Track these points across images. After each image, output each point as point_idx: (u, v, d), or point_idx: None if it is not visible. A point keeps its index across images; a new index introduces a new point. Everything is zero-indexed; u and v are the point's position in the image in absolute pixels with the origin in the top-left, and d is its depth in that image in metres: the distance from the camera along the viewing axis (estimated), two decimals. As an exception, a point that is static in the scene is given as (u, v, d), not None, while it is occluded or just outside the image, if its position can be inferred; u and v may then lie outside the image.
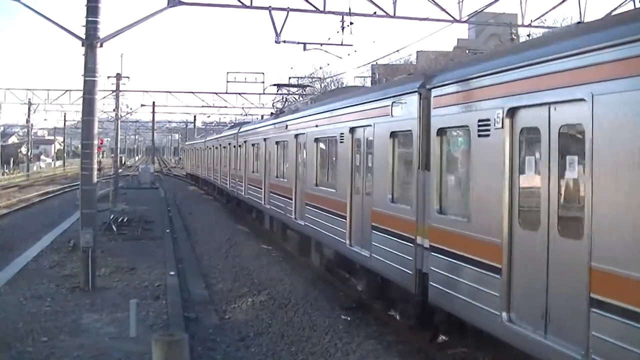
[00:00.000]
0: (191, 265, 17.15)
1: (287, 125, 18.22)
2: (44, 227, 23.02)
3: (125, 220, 24.18)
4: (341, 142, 13.21)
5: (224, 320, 12.01)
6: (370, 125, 11.69)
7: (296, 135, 16.99)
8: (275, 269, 16.45)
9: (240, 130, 28.22)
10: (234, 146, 29.37)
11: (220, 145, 36.22)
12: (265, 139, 21.45)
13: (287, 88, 27.20)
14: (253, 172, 24.02)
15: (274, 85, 26.06)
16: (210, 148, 42.21)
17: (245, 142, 26.00)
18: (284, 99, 26.15)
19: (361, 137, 12.29)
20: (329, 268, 15.23)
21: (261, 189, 21.64)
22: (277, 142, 19.62)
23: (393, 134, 10.75)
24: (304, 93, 26.71)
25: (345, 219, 12.80)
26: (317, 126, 15.01)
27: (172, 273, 15.06)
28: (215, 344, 10.45)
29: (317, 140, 15.32)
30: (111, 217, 23.45)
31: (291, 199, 17.28)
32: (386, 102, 10.87)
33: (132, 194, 38.30)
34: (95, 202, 14.52)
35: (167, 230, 22.96)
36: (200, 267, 17.08)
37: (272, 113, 26.57)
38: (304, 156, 16.24)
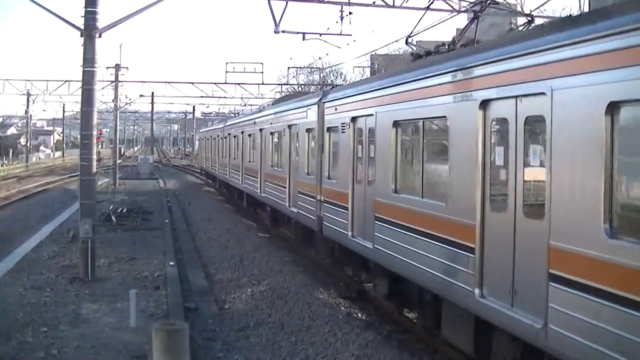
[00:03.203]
0: (191, 255, 17.15)
1: None
2: (43, 218, 23.02)
3: (124, 210, 24.15)
4: None
5: (224, 310, 12.03)
6: None
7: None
8: (275, 259, 16.47)
9: (329, 98, 14.32)
10: (307, 130, 16.13)
11: (259, 130, 22.57)
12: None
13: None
14: (396, 190, 10.55)
15: None
16: (236, 136, 28.71)
17: (344, 124, 13.02)
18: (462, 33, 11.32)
19: None
20: None
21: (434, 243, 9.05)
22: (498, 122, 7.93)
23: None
24: None
25: None
26: None
27: (171, 263, 15.06)
28: (215, 334, 10.47)
29: None
30: (110, 208, 23.46)
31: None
32: None
33: (131, 185, 38.26)
34: (95, 193, 14.52)
35: (167, 221, 22.89)
36: (200, 257, 17.08)
37: (418, 56, 11.62)
38: None
